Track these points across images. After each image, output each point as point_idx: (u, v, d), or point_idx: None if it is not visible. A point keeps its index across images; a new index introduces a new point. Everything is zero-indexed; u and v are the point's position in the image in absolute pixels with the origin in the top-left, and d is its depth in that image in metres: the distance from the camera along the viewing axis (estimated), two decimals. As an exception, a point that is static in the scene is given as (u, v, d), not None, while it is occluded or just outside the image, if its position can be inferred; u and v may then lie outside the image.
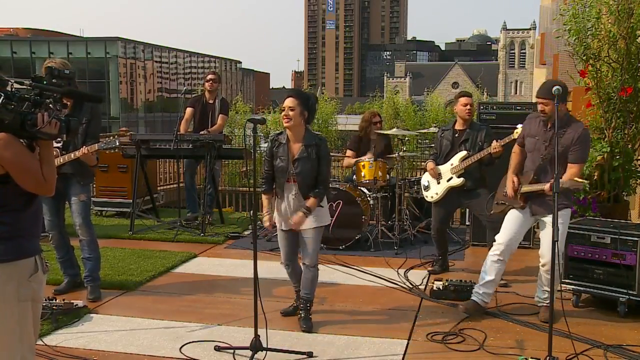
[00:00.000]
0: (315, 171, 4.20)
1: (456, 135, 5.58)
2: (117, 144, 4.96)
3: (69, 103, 4.75)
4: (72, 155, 4.70)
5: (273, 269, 5.59)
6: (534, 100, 4.39)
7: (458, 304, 4.71)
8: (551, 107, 4.19)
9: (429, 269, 5.86)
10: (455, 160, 5.50)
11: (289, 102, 4.17)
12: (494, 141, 5.23)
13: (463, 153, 5.47)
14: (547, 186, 4.16)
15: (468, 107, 5.51)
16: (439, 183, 5.61)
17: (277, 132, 4.31)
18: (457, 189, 5.51)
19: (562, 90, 4.08)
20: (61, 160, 4.76)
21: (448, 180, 5.54)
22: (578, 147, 4.29)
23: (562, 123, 4.28)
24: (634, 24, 5.71)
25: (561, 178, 4.21)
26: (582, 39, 5.90)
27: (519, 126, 4.94)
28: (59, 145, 4.84)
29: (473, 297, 4.59)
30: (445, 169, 5.58)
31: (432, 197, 5.69)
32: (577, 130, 4.31)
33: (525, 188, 4.41)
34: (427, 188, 5.75)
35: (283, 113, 4.17)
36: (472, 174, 5.46)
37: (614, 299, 4.54)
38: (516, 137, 4.99)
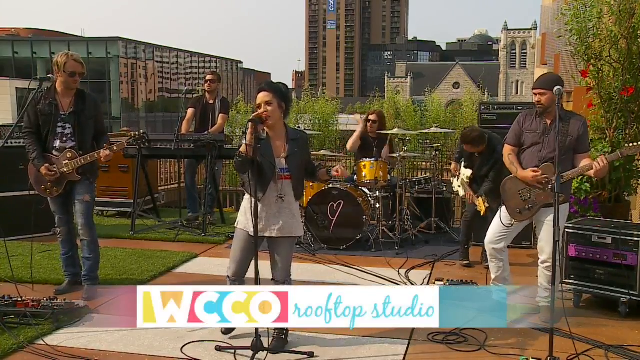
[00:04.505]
0: (304, 166, 3.99)
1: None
2: (148, 136, 5.14)
3: (69, 100, 4.76)
4: (101, 152, 4.72)
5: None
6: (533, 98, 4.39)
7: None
8: (547, 97, 4.24)
9: (464, 263, 6.00)
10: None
11: (264, 96, 3.73)
12: None
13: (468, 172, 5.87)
14: (595, 167, 4.07)
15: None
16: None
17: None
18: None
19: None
20: (82, 161, 4.75)
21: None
22: (584, 137, 4.36)
23: (562, 115, 4.32)
24: (635, 24, 5.70)
25: (573, 167, 4.30)
26: (583, 39, 5.90)
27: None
28: (73, 144, 4.81)
29: None
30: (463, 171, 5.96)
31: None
32: (580, 120, 4.39)
33: (569, 174, 4.23)
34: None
35: (260, 110, 3.71)
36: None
37: (615, 299, 4.54)
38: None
